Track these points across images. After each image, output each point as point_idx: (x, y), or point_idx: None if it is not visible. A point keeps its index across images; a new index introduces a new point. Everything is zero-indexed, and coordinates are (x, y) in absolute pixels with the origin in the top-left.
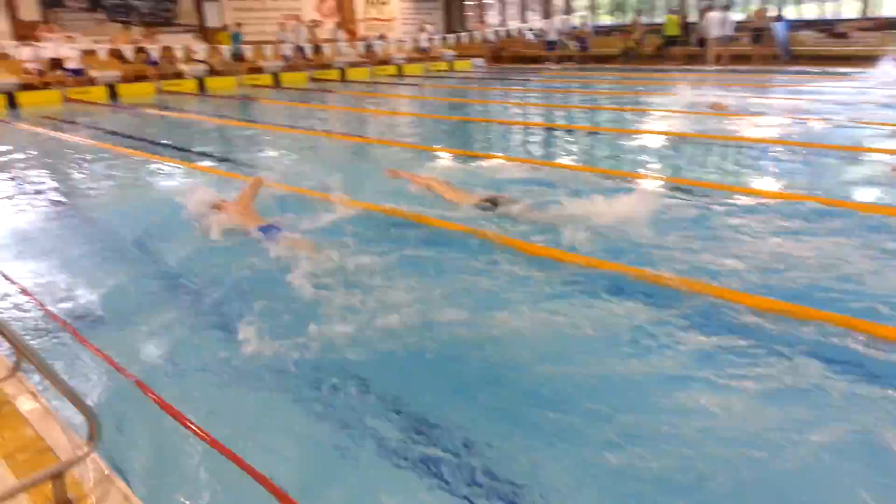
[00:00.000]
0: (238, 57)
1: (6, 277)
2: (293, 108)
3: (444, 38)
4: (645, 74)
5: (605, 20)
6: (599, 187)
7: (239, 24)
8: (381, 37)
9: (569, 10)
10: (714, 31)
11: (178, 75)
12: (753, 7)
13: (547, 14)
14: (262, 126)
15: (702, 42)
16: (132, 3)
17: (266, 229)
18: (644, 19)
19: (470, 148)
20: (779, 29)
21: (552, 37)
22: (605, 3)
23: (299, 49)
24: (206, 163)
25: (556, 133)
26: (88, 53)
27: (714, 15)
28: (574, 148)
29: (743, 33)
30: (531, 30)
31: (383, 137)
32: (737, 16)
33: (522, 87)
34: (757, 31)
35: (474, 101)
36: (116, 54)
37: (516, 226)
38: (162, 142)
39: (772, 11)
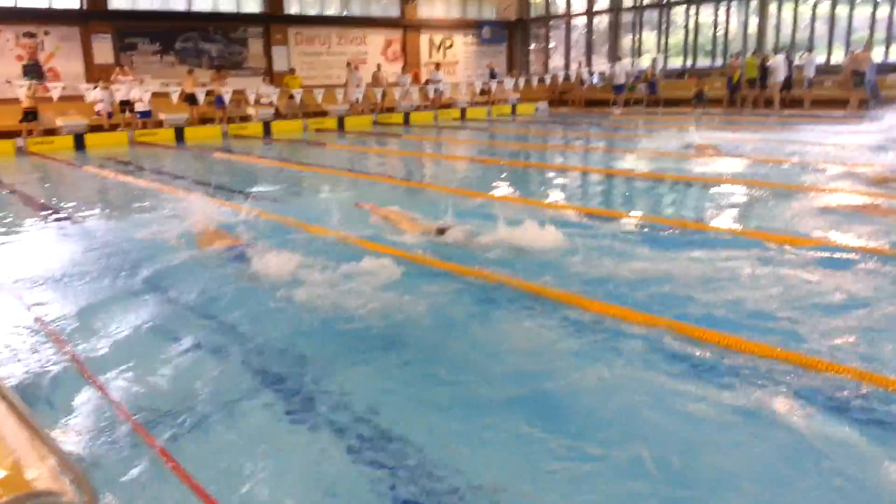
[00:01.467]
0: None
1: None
2: (355, 153)
3: (510, 82)
4: (712, 118)
5: (676, 62)
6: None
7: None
8: (437, 66)
9: (637, 52)
10: (779, 76)
11: (244, 118)
12: (853, 49)
13: (614, 57)
14: (324, 170)
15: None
16: (203, 47)
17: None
18: (719, 62)
19: (530, 195)
20: (867, 72)
21: (620, 80)
22: (675, 45)
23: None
24: (266, 208)
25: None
26: (159, 96)
27: (779, 58)
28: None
29: (827, 76)
30: (599, 73)
31: (443, 183)
32: (820, 57)
33: (584, 131)
34: (857, 73)
35: (534, 147)
36: (184, 97)
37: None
38: (228, 186)
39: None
